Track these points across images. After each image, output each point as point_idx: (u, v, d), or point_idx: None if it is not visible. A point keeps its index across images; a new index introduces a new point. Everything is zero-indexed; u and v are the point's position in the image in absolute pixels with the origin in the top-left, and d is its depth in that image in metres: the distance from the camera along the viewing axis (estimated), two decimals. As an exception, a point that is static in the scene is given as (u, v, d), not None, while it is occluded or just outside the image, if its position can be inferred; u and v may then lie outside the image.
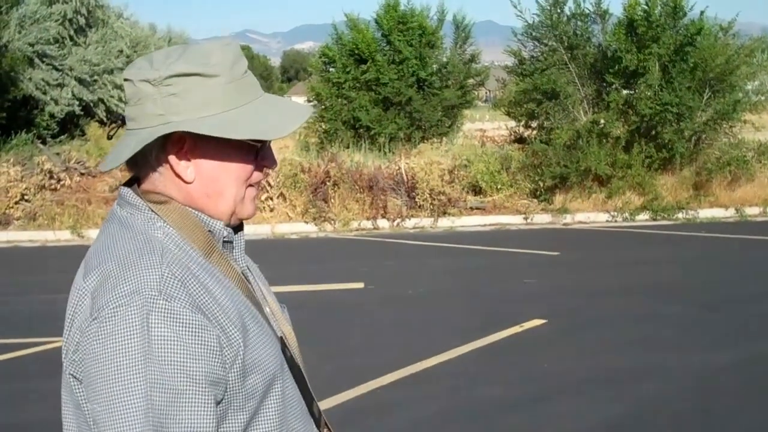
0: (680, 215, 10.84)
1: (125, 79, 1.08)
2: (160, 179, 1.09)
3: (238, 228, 1.15)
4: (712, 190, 11.14)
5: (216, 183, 1.09)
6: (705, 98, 11.19)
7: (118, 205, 1.12)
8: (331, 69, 14.67)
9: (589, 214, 10.86)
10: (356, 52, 14.13)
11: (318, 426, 1.18)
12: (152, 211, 1.08)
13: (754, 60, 11.58)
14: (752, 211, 10.98)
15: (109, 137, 1.23)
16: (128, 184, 1.13)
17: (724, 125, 11.45)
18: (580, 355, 5.20)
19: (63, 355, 1.05)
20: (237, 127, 1.05)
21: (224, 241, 1.12)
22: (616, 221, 10.80)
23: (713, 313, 6.17)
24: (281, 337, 1.14)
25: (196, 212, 1.09)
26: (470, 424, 4.13)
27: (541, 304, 6.33)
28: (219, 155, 1.08)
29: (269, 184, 10.24)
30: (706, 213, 10.90)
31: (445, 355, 5.12)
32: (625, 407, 4.30)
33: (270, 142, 1.11)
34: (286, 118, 1.10)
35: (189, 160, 1.08)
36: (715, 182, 11.15)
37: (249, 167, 1.10)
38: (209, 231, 1.10)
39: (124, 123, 1.10)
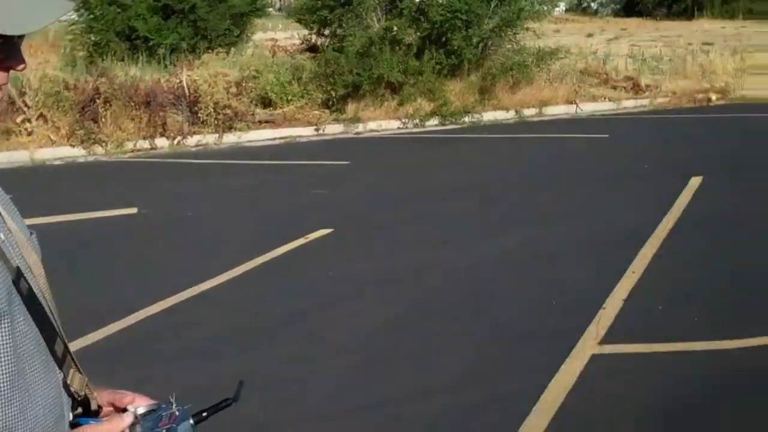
0: (467, 119, 11.18)
1: None
2: None
3: None
4: (495, 94, 11.59)
5: None
6: (492, 6, 11.47)
7: None
8: (99, -27, 13.08)
9: (381, 122, 10.86)
10: (126, -48, 12.68)
11: (61, 366, 1.06)
12: None
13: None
14: (529, 112, 11.63)
15: None
16: None
17: (509, 32, 11.88)
18: (365, 259, 5.27)
19: None
20: None
21: None
22: (407, 128, 10.91)
23: (490, 207, 6.51)
24: (17, 267, 1.00)
25: None
26: (253, 339, 4.03)
27: (329, 214, 6.24)
28: None
29: (26, 105, 8.97)
30: (489, 116, 11.34)
31: (228, 274, 4.91)
32: (407, 304, 4.47)
33: (16, 37, 0.93)
34: (34, 9, 0.92)
35: None
36: (499, 86, 11.59)
37: None
38: None
39: None
